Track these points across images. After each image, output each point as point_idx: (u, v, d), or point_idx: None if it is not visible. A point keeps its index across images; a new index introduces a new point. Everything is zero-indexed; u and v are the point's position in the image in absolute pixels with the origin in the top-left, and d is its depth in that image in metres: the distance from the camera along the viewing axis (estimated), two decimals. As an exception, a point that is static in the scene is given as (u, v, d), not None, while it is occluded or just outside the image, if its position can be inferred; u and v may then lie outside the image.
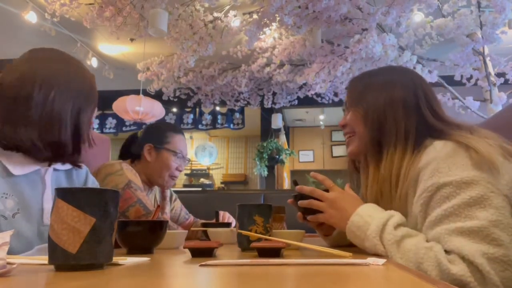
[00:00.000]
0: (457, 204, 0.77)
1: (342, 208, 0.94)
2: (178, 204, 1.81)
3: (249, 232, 0.90)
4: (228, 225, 1.53)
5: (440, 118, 0.97)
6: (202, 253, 0.77)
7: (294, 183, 1.07)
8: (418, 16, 3.33)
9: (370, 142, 0.98)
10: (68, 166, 1.04)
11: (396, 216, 0.86)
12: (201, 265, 0.60)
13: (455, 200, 0.78)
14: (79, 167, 1.07)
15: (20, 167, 0.91)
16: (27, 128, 0.89)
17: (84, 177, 1.13)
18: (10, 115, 0.89)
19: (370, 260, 0.63)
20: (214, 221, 1.65)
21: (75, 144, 0.97)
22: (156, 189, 1.71)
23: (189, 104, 5.35)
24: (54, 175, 1.01)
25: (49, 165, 0.99)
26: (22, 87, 0.90)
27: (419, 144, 0.93)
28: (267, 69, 4.37)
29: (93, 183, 1.15)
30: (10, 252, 0.85)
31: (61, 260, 0.55)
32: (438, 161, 0.84)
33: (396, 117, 0.96)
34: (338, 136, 7.89)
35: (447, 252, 0.76)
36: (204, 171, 8.13)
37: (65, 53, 1.03)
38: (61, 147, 0.94)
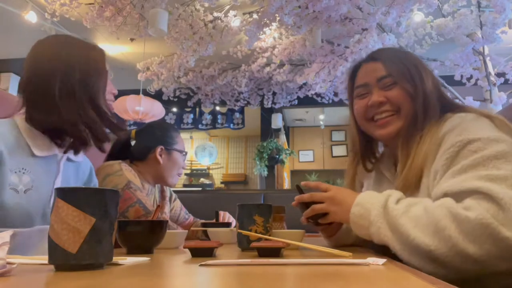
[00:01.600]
0: (485, 156, 0.78)
1: (342, 201, 0.92)
2: (178, 204, 1.81)
3: (249, 232, 0.90)
4: (228, 225, 1.53)
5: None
6: (202, 253, 0.77)
7: (297, 188, 1.06)
8: (418, 16, 3.33)
9: (412, 121, 0.96)
10: (79, 159, 1.11)
11: (394, 194, 0.85)
12: (201, 265, 0.60)
13: (483, 153, 0.79)
14: (103, 151, 1.11)
15: (41, 149, 0.98)
16: (52, 114, 0.96)
17: (87, 174, 1.18)
18: (36, 104, 0.97)
19: (370, 260, 0.63)
20: (214, 221, 1.65)
21: (105, 121, 1.05)
22: (156, 189, 1.71)
23: (189, 104, 5.35)
24: (66, 164, 1.07)
25: (65, 152, 1.04)
26: (43, 80, 0.97)
27: (442, 116, 0.95)
28: (267, 69, 4.37)
29: (95, 185, 1.20)
30: (10, 223, 0.87)
31: (61, 260, 0.55)
32: (466, 123, 0.86)
33: (436, 97, 0.97)
34: (338, 136, 7.90)
35: (464, 195, 0.75)
36: (204, 171, 8.13)
37: (75, 38, 1.08)
38: (89, 127, 1.00)
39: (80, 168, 1.14)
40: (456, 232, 0.71)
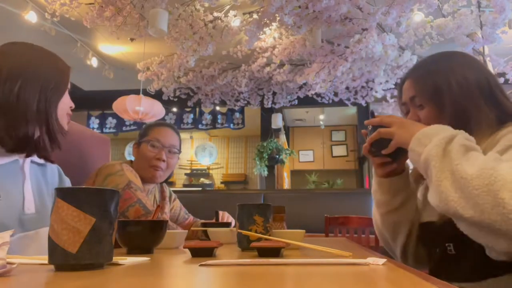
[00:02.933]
0: None
1: (411, 126, 0.89)
2: (177, 203, 1.81)
3: (249, 232, 0.90)
4: (228, 225, 1.53)
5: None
6: (202, 253, 0.77)
7: (371, 114, 1.01)
8: (418, 16, 3.33)
9: None
10: (42, 161, 1.06)
11: (469, 136, 0.82)
12: (201, 265, 0.60)
13: None
14: (51, 162, 1.08)
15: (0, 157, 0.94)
16: None
17: (57, 176, 1.14)
18: None
19: (370, 260, 0.63)
20: (214, 221, 1.65)
21: (48, 136, 0.98)
22: (156, 189, 1.71)
23: (189, 104, 5.35)
24: (32, 167, 1.03)
25: (26, 156, 1.01)
26: None
27: (499, 128, 0.90)
28: (267, 69, 4.37)
29: (68, 185, 1.16)
30: None
31: (61, 260, 0.55)
32: None
33: (478, 106, 0.92)
34: (338, 136, 7.90)
35: None
36: (204, 171, 8.14)
37: (37, 46, 1.03)
38: (28, 139, 0.94)
39: (47, 170, 1.10)
40: (501, 175, 0.70)
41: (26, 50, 1.01)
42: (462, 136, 0.80)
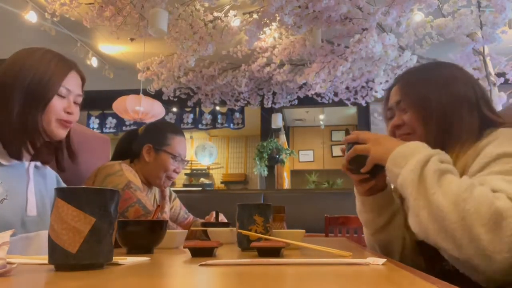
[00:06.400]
0: None
1: (387, 143, 0.89)
2: (177, 203, 1.81)
3: (249, 232, 0.90)
4: (228, 225, 1.53)
5: (497, 115, 0.96)
6: (202, 253, 0.77)
7: (346, 131, 1.04)
8: (418, 16, 3.33)
9: (434, 143, 0.90)
10: (42, 166, 1.09)
11: (445, 154, 0.82)
12: (201, 265, 0.60)
13: None
14: (44, 163, 1.09)
15: (8, 158, 0.97)
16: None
17: (55, 182, 1.16)
18: None
19: (370, 260, 0.63)
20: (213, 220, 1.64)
21: (32, 142, 0.99)
22: (156, 189, 1.71)
23: (189, 103, 5.35)
24: (35, 171, 1.06)
25: (31, 160, 1.04)
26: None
27: (481, 137, 0.91)
28: (267, 69, 4.37)
29: None
30: None
31: (61, 260, 0.55)
32: (505, 136, 0.84)
33: (462, 117, 0.93)
34: (338, 136, 7.90)
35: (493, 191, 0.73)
36: (204, 171, 8.14)
37: (25, 52, 1.02)
38: (19, 148, 0.97)
39: (46, 175, 1.12)
40: (474, 208, 0.69)
41: (22, 56, 1.01)
42: (436, 158, 0.79)
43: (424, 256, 1.03)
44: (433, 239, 0.74)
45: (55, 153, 1.10)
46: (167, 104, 5.06)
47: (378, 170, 0.92)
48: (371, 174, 0.95)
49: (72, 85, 1.05)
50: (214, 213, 1.65)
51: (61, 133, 1.05)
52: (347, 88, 4.53)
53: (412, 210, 0.78)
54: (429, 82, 0.99)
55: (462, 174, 0.85)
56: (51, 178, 1.14)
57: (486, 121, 0.95)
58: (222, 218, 1.65)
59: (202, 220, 1.76)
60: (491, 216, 0.68)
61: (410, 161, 0.80)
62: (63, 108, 1.03)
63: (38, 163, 1.06)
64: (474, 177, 0.79)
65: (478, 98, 0.97)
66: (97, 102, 5.96)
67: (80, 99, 1.09)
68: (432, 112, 0.95)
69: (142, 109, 3.99)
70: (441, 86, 0.97)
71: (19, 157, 0.99)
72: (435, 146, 0.90)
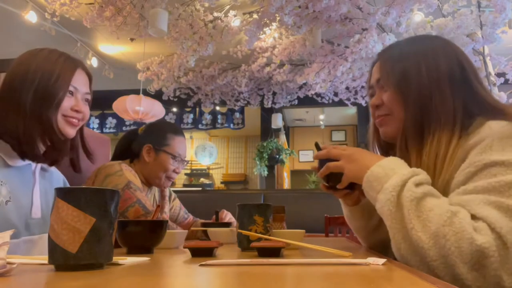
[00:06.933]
0: (503, 181, 0.69)
1: (361, 160, 0.84)
2: (177, 203, 1.81)
3: (249, 232, 0.90)
4: (228, 225, 1.53)
5: (488, 92, 0.87)
6: (202, 253, 0.77)
7: (316, 146, 0.99)
8: (418, 16, 3.32)
9: (413, 125, 0.86)
10: (51, 168, 1.09)
11: (421, 175, 0.76)
12: (201, 265, 0.60)
13: (502, 178, 0.70)
14: (54, 164, 1.09)
15: (15, 160, 0.96)
16: (5, 127, 0.95)
17: (61, 184, 1.16)
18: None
19: (370, 260, 0.63)
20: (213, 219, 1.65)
21: (49, 140, 0.99)
22: (156, 189, 1.71)
23: (189, 104, 5.35)
24: (41, 173, 1.06)
25: (38, 162, 1.03)
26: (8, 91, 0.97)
27: (468, 124, 0.83)
28: (267, 69, 4.37)
29: None
30: None
31: (61, 260, 0.55)
32: (493, 139, 0.75)
33: (443, 95, 0.84)
34: (338, 136, 7.90)
35: (474, 218, 0.69)
36: (204, 171, 8.14)
37: (29, 53, 1.03)
38: (29, 143, 0.96)
39: (53, 178, 1.12)
40: (455, 245, 0.66)
41: (28, 57, 1.02)
42: (412, 182, 0.74)
43: None
44: (417, 268, 0.71)
45: (71, 154, 1.08)
46: (167, 104, 5.06)
47: (356, 183, 0.89)
48: (350, 188, 0.93)
49: (79, 83, 1.05)
50: (228, 214, 1.67)
51: (69, 131, 1.04)
52: (347, 88, 4.53)
53: (392, 240, 0.75)
54: (408, 57, 0.90)
55: (446, 170, 0.80)
56: (58, 180, 1.14)
57: (477, 99, 0.86)
58: (230, 217, 1.65)
59: (202, 220, 1.76)
60: (473, 255, 0.65)
61: (385, 185, 0.76)
62: (70, 106, 1.04)
63: (45, 166, 1.06)
64: (456, 195, 0.75)
65: (466, 73, 0.87)
66: (97, 102, 5.93)
67: (89, 97, 1.10)
68: (410, 91, 0.87)
69: (142, 109, 3.99)
70: (420, 60, 0.88)
71: (33, 158, 0.98)
72: (413, 128, 0.85)
